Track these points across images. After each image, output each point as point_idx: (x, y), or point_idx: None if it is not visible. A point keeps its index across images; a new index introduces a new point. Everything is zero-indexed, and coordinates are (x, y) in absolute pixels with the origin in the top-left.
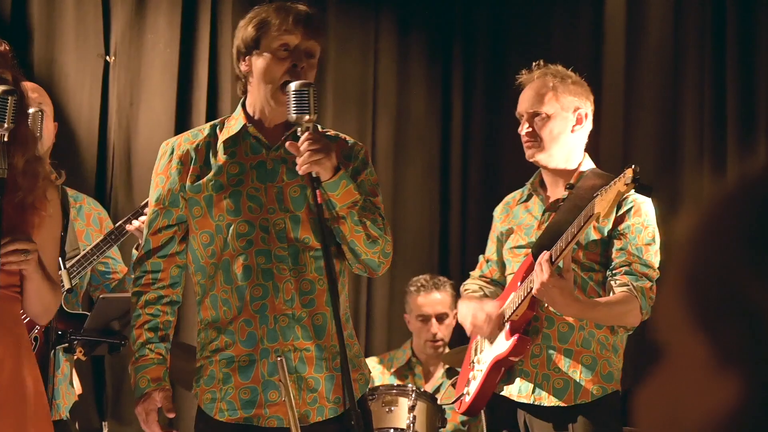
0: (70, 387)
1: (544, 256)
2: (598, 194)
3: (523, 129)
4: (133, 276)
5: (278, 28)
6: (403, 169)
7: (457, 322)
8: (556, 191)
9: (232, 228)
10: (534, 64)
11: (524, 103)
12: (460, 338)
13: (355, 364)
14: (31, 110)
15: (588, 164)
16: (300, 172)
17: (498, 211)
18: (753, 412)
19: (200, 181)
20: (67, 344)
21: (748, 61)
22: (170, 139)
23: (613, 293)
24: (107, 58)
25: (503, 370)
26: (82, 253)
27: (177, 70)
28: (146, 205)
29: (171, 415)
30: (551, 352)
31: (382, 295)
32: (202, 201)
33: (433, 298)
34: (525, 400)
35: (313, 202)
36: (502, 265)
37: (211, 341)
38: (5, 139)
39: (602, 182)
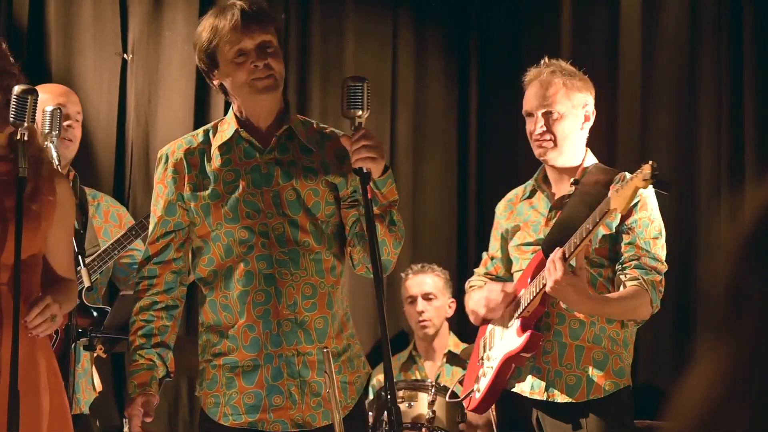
0: (90, 381)
1: (557, 253)
2: (611, 190)
3: (537, 128)
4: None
5: (227, 37)
6: (421, 163)
7: (458, 313)
8: (561, 187)
9: (232, 235)
10: (542, 62)
11: (535, 101)
12: (472, 333)
13: (354, 366)
14: (49, 108)
15: (591, 159)
16: (354, 167)
17: (500, 208)
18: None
19: (197, 191)
20: (87, 340)
21: (765, 53)
22: (165, 146)
23: (624, 287)
24: (125, 56)
25: (514, 367)
26: (102, 248)
27: (195, 66)
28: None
29: (147, 419)
30: (563, 348)
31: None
32: (200, 210)
33: (419, 279)
34: (538, 397)
35: (363, 197)
36: (507, 262)
37: (213, 345)
38: (25, 139)
39: (607, 177)
